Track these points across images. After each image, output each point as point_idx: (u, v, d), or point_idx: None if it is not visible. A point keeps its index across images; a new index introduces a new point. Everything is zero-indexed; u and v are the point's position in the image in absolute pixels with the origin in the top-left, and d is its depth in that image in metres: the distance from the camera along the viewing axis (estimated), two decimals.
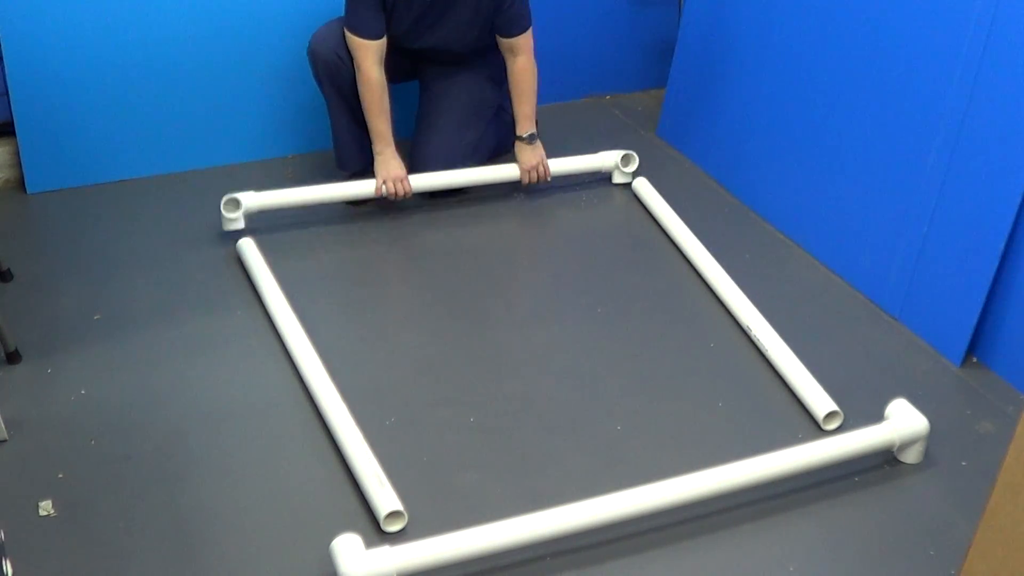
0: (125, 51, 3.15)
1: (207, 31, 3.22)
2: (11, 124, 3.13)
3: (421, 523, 2.06)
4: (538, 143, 3.21)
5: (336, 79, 3.04)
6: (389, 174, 3.03)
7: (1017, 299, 2.43)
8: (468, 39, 3.10)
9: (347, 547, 1.90)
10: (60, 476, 2.17)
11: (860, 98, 2.80)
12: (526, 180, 3.19)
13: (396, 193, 3.04)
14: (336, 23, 3.03)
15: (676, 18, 3.75)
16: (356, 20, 2.95)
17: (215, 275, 2.83)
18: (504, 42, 3.12)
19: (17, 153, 3.18)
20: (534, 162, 3.18)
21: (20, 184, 3.21)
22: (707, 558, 2.04)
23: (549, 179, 3.22)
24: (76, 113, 3.16)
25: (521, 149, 3.19)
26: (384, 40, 2.98)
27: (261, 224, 3.01)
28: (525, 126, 3.18)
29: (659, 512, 2.06)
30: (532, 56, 3.15)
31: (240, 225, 2.95)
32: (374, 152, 3.06)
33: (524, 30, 3.10)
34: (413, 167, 3.16)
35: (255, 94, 3.34)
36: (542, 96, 3.70)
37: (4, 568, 1.76)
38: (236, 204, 2.93)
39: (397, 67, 3.14)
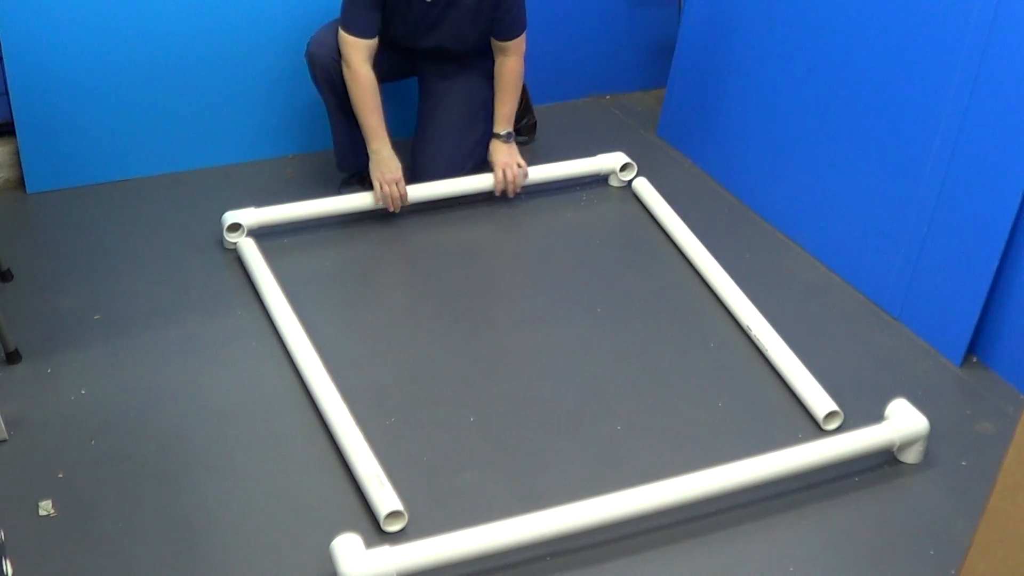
0: (125, 51, 3.15)
1: (207, 31, 3.22)
2: (11, 124, 3.13)
3: (421, 523, 2.06)
4: (514, 144, 3.18)
5: (334, 83, 3.03)
6: (385, 176, 3.00)
7: (1017, 299, 2.43)
8: (468, 40, 3.09)
9: (347, 547, 1.90)
10: (60, 476, 2.17)
11: (860, 98, 2.80)
12: (499, 177, 3.12)
13: (393, 201, 3.01)
14: (333, 26, 3.02)
15: (676, 18, 3.75)
16: (351, 18, 2.94)
17: (215, 275, 2.83)
18: (497, 44, 3.11)
19: (17, 153, 3.18)
20: (509, 160, 3.14)
21: (20, 184, 3.21)
22: (707, 558, 2.04)
23: (525, 178, 3.16)
24: (76, 113, 3.16)
25: (496, 147, 3.15)
26: (375, 40, 2.97)
27: (257, 227, 3.01)
28: (503, 124, 3.16)
29: (659, 512, 2.06)
30: (522, 59, 3.14)
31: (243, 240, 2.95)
32: (369, 151, 3.03)
33: (519, 34, 3.10)
34: (415, 170, 3.15)
35: (255, 94, 3.34)
36: (542, 96, 3.71)
37: (4, 568, 1.76)
38: (238, 228, 2.91)
39: (394, 65, 3.14)
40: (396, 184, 3.01)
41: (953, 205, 2.53)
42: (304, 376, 2.42)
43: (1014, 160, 2.37)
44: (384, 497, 2.07)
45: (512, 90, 3.15)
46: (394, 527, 2.06)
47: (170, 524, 2.07)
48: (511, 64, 3.13)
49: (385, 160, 3.01)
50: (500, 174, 3.13)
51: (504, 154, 3.14)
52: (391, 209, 3.03)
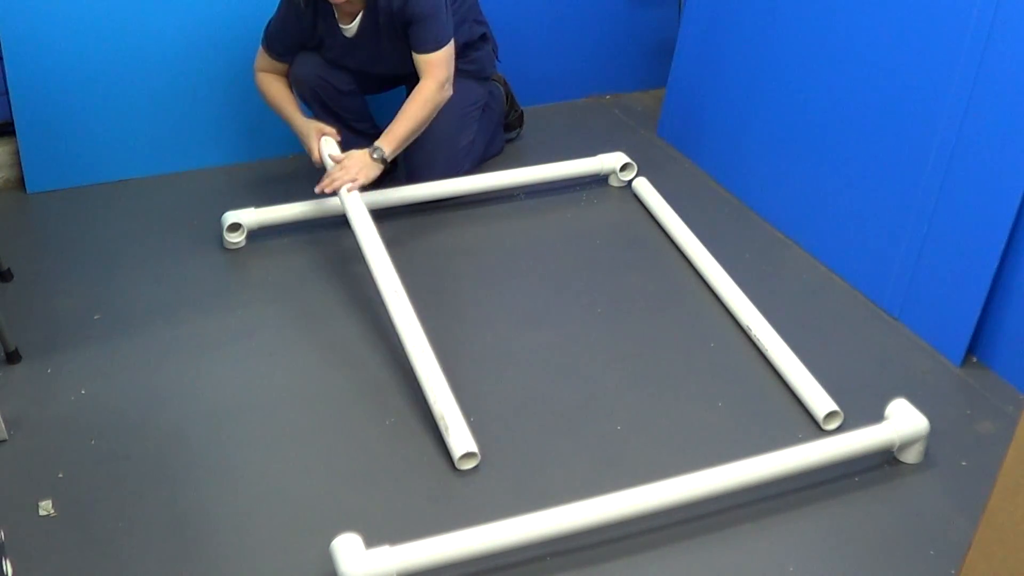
0: (125, 51, 3.16)
1: (207, 31, 3.22)
2: (11, 124, 3.13)
3: (421, 523, 2.06)
4: (376, 166, 2.86)
5: (322, 99, 3.07)
6: (312, 127, 2.98)
7: (1017, 299, 2.43)
8: (410, 62, 2.99)
9: (347, 547, 1.90)
10: (60, 476, 2.17)
11: (860, 97, 2.80)
12: (331, 167, 2.86)
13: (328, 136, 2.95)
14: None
15: (676, 18, 3.75)
16: (268, 36, 3.02)
17: (215, 275, 2.84)
18: (416, 60, 2.92)
19: (17, 153, 3.18)
20: (359, 169, 2.82)
21: (20, 184, 3.21)
22: (707, 558, 2.04)
23: (344, 186, 2.81)
24: (76, 113, 3.16)
25: (359, 153, 2.86)
26: (284, 66, 3.06)
27: (257, 227, 3.01)
28: (384, 140, 2.87)
29: (659, 512, 2.06)
30: (438, 83, 2.89)
31: (242, 243, 2.95)
32: (294, 129, 3.04)
33: (435, 49, 2.88)
34: (411, 173, 3.15)
35: (255, 94, 3.33)
36: (542, 96, 3.72)
37: (4, 568, 1.76)
38: (238, 228, 2.93)
39: (371, 83, 3.14)
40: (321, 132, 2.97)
41: (953, 205, 2.53)
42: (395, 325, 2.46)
43: (1014, 160, 2.37)
44: (456, 438, 2.20)
45: (413, 113, 2.88)
46: (468, 465, 2.20)
47: (170, 524, 2.07)
48: (423, 87, 2.89)
49: (307, 123, 3.00)
50: (336, 170, 2.84)
51: (357, 160, 2.84)
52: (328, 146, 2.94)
